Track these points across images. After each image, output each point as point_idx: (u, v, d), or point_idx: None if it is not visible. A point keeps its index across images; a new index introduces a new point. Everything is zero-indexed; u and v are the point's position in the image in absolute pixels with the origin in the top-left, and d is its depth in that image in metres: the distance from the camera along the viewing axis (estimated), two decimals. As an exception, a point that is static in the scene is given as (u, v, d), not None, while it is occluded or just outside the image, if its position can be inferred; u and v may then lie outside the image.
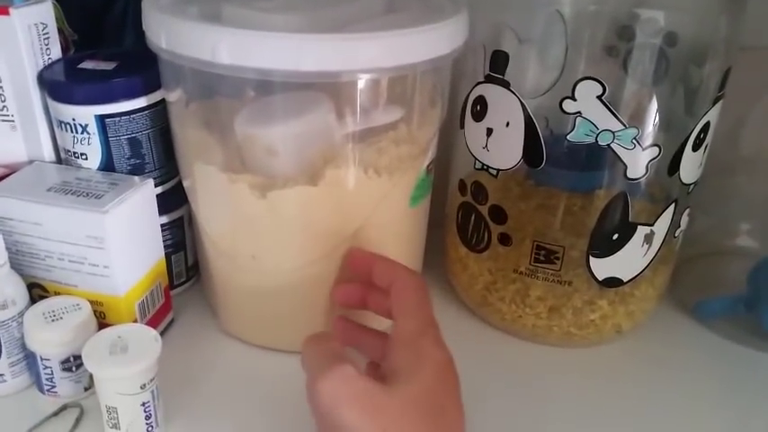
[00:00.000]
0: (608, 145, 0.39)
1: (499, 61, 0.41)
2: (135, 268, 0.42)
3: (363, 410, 0.30)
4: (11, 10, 0.41)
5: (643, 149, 0.39)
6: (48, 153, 0.45)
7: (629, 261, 0.42)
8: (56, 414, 0.40)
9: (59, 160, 0.45)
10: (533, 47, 0.41)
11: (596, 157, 0.40)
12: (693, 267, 0.53)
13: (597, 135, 0.38)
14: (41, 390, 0.41)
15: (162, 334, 0.46)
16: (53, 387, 0.40)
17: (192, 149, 0.42)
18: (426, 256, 0.51)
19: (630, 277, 0.43)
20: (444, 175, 0.49)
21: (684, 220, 0.45)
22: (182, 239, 0.49)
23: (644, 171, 0.40)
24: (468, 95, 0.44)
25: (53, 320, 0.39)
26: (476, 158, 0.44)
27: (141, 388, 0.36)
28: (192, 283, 0.51)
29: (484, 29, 0.42)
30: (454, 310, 0.50)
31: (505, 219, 0.43)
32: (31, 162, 0.45)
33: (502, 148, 0.42)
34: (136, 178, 0.43)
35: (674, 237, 0.45)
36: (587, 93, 0.37)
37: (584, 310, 0.44)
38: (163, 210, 0.46)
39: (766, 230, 0.53)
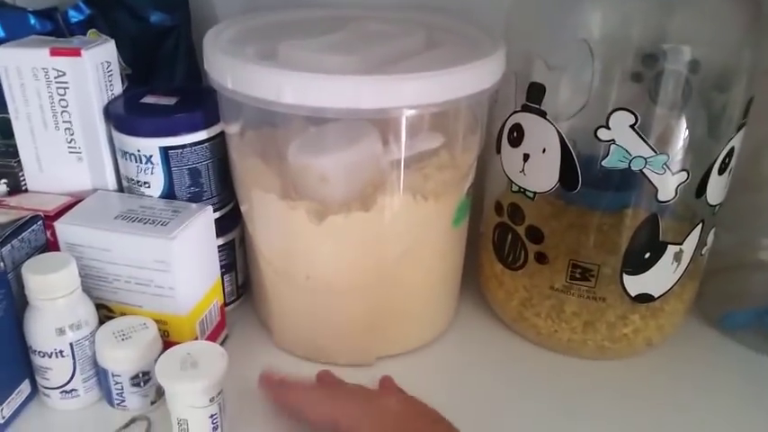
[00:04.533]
0: (640, 170, 0.41)
1: (536, 92, 0.44)
2: (196, 289, 0.45)
3: None
4: (82, 51, 0.44)
5: (673, 174, 0.42)
6: (111, 182, 0.48)
7: (659, 278, 0.45)
8: (126, 426, 0.43)
9: (121, 188, 0.49)
10: (562, 74, 0.43)
11: (628, 181, 0.42)
12: (718, 281, 0.55)
13: (630, 161, 0.41)
14: (111, 403, 0.44)
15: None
16: (123, 401, 0.43)
17: (248, 177, 0.45)
18: (463, 273, 0.54)
19: (661, 293, 0.46)
20: (479, 195, 0.52)
21: (710, 238, 0.48)
22: (233, 260, 0.52)
23: (673, 194, 0.42)
24: (504, 123, 0.47)
25: (123, 339, 0.42)
26: (512, 182, 0.47)
27: (210, 401, 0.39)
28: (242, 301, 0.54)
29: (515, 58, 0.45)
30: (489, 325, 0.53)
31: (542, 238, 0.46)
32: (95, 190, 0.48)
33: (539, 172, 0.45)
34: (194, 205, 0.46)
35: (701, 254, 0.47)
36: (621, 122, 0.40)
37: (618, 324, 0.46)
38: (218, 233, 0.49)
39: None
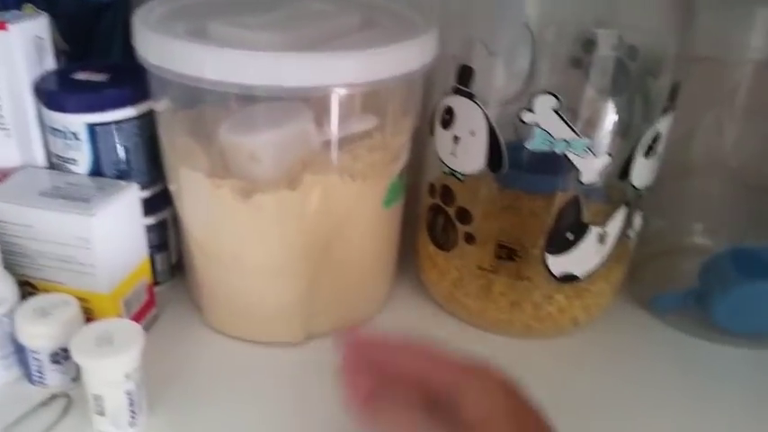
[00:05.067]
0: (563, 153, 0.42)
1: (466, 75, 0.44)
2: (120, 267, 0.45)
3: None
4: (8, 25, 0.43)
5: (596, 157, 0.42)
6: (39, 158, 0.48)
7: (583, 258, 0.46)
8: (45, 403, 0.42)
9: (51, 165, 0.48)
10: (502, 59, 0.43)
11: (553, 164, 0.43)
12: (650, 265, 0.57)
13: (553, 144, 0.42)
14: (31, 380, 0.43)
15: (147, 329, 0.49)
16: (42, 378, 0.43)
17: (178, 156, 0.45)
18: (400, 254, 0.54)
19: (585, 273, 0.46)
20: (417, 178, 0.52)
21: (638, 221, 0.48)
22: (165, 239, 0.51)
23: (597, 177, 0.43)
24: (437, 105, 0.47)
25: (43, 316, 0.41)
26: (444, 163, 0.47)
27: (125, 377, 0.39)
28: (177, 281, 0.54)
29: (455, 41, 0.45)
30: (424, 306, 0.53)
31: (471, 219, 0.46)
32: (23, 167, 0.47)
33: (467, 154, 0.45)
34: (119, 183, 0.45)
35: (627, 237, 0.48)
36: (544, 105, 0.41)
37: (543, 304, 0.47)
38: (148, 211, 0.48)
39: (719, 229, 0.57)
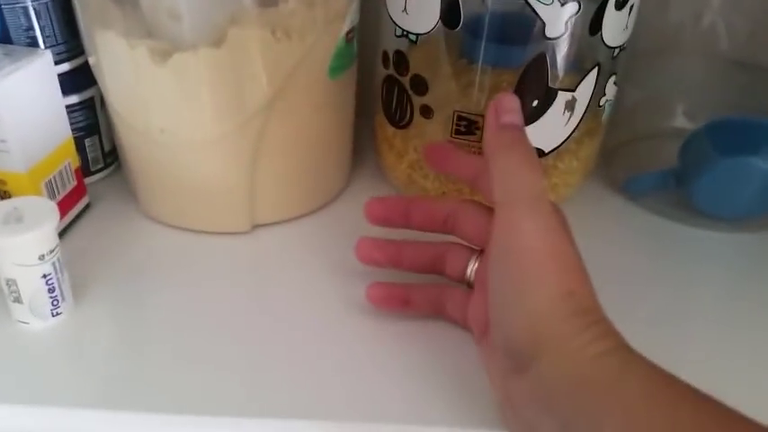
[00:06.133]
0: (525, 1, 0.37)
1: None
2: (38, 145, 0.40)
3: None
4: None
5: (562, 5, 0.37)
6: (-61, 26, 0.42)
7: (550, 130, 0.41)
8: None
9: (-46, 34, 0.43)
10: None
11: (520, 25, 0.38)
12: (627, 149, 0.53)
13: (515, -11, 0.37)
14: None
15: (77, 218, 0.45)
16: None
17: (92, 17, 0.40)
18: (360, 141, 0.50)
19: (552, 147, 0.42)
20: (374, 53, 0.47)
21: (611, 88, 0.44)
22: (95, 122, 0.47)
23: (563, 29, 0.38)
24: (388, -42, 0.42)
25: (-48, 197, 0.37)
26: (396, 24, 0.42)
27: (40, 259, 0.35)
28: (112, 171, 0.50)
29: None
30: (383, 193, 0.49)
31: (426, 90, 0.42)
32: None
33: (420, 9, 0.40)
34: (29, 49, 0.40)
35: (599, 106, 0.44)
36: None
37: (507, 182, 0.43)
38: (71, 89, 0.44)
39: (701, 112, 0.52)
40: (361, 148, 0.51)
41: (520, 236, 0.29)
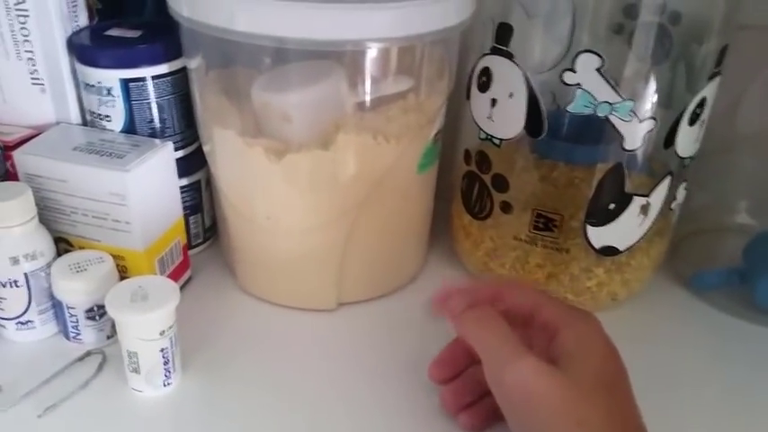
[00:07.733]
0: (606, 117, 0.40)
1: (504, 33, 0.42)
2: (155, 225, 0.45)
3: (556, 407, 0.31)
4: (42, -21, 0.43)
5: (640, 122, 0.40)
6: (74, 115, 0.48)
7: (625, 231, 0.44)
8: (80, 359, 0.42)
9: (85, 122, 0.48)
10: (541, 22, 0.42)
11: (595, 129, 0.41)
12: (693, 243, 0.55)
13: (596, 107, 0.40)
14: (67, 337, 0.43)
15: (181, 290, 0.49)
16: (78, 334, 0.43)
17: (211, 115, 0.45)
18: (434, 224, 0.53)
19: (626, 246, 0.45)
20: (452, 147, 0.51)
21: (681, 193, 0.46)
22: (199, 202, 0.51)
23: (640, 143, 0.41)
24: (474, 67, 0.46)
25: (78, 272, 0.42)
26: (480, 128, 0.46)
27: (160, 334, 0.39)
28: (209, 245, 0.54)
29: (493, 3, 0.43)
30: (456, 277, 0.52)
31: (507, 187, 0.45)
32: (58, 123, 0.48)
33: (505, 118, 0.44)
34: (156, 141, 0.45)
35: (670, 209, 0.46)
36: (587, 65, 0.39)
37: (581, 277, 0.46)
38: (182, 173, 0.48)
39: (764, 208, 0.54)
40: (434, 231, 0.55)
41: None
